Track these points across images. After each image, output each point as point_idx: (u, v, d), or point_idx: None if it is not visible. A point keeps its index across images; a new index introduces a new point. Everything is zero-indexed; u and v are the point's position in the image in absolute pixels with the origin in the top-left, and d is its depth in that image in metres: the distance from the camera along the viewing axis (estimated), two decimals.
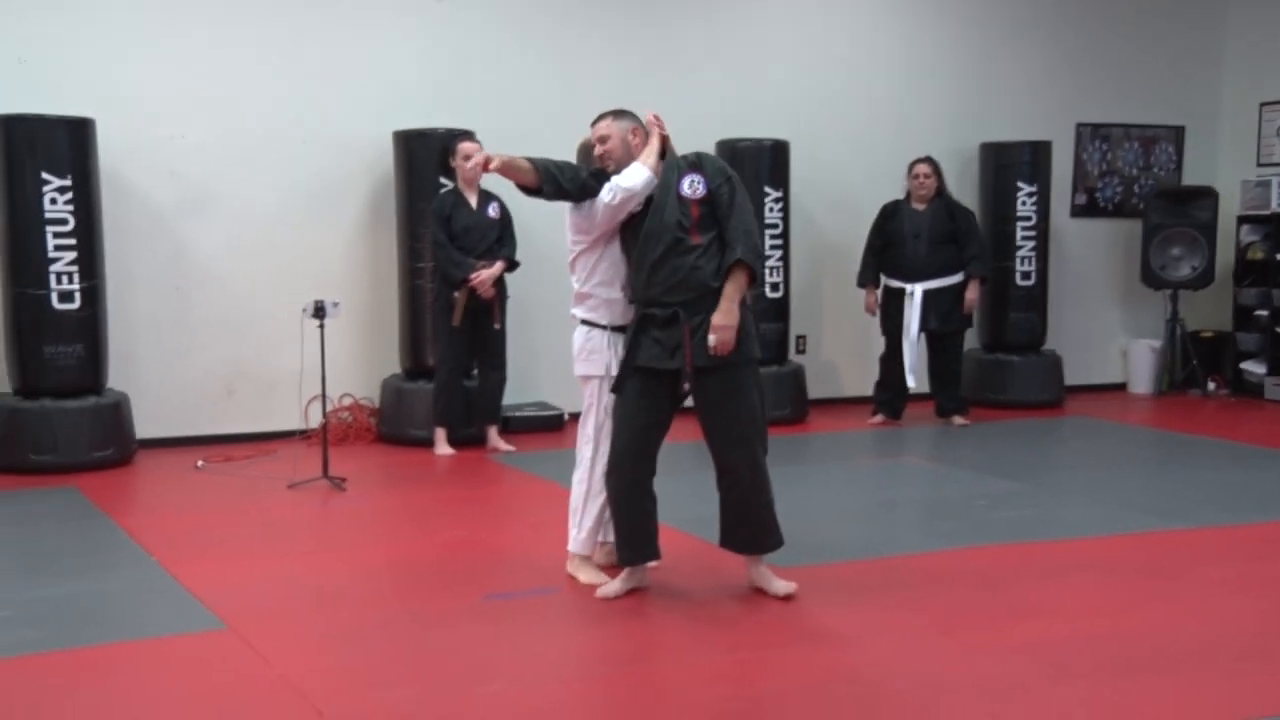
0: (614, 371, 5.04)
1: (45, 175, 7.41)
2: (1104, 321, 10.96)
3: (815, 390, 9.60)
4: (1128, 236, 10.85)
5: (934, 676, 4.24)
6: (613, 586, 5.06)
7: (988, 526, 6.18)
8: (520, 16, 8.98)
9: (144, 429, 7.99)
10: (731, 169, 5.03)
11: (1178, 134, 11.01)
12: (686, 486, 7.18)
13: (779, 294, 9.26)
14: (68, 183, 7.45)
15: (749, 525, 5.04)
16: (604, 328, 5.10)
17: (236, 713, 3.92)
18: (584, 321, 5.15)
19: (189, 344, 8.29)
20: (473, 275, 7.72)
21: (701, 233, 4.86)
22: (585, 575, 5.22)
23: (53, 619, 4.79)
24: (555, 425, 8.76)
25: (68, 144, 7.50)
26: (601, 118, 5.09)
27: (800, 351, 9.83)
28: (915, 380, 8.95)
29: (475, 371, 8.18)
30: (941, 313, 8.91)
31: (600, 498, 5.14)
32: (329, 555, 5.79)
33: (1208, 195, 10.50)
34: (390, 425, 8.44)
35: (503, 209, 7.99)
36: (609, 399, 5.07)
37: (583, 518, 5.21)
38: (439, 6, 8.75)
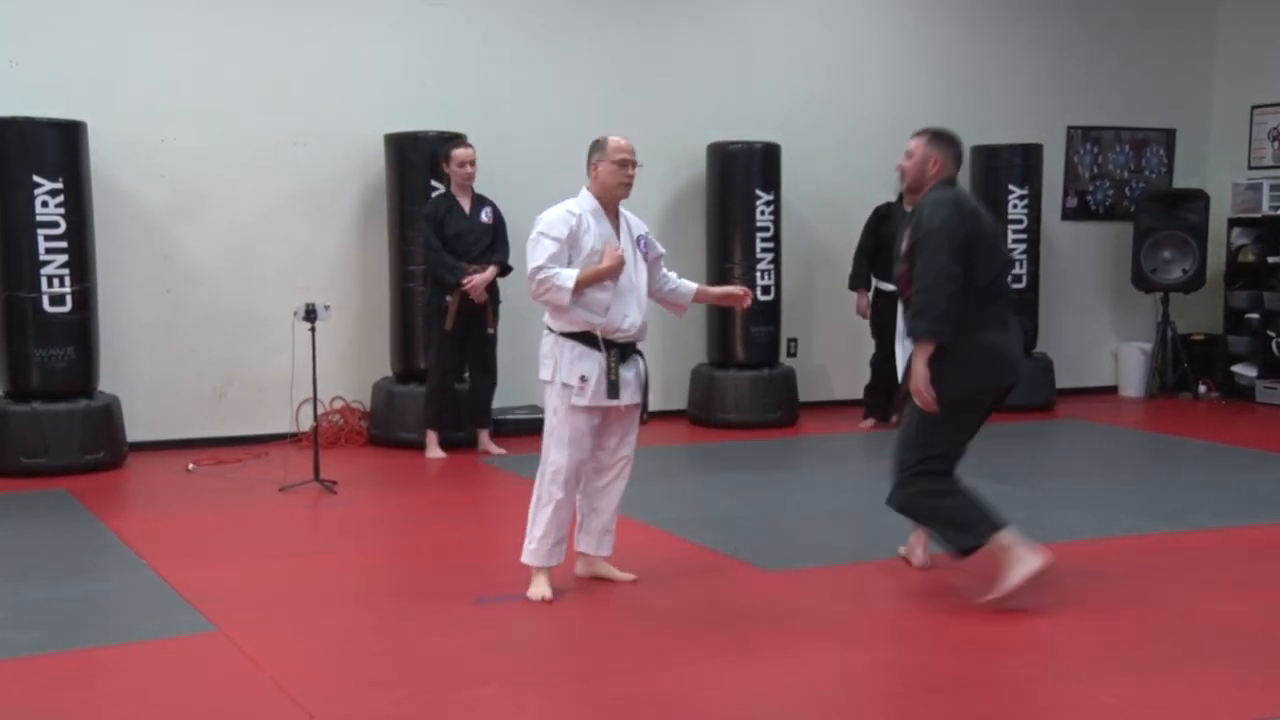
0: (558, 377, 5.02)
1: (36, 178, 7.39)
2: (1095, 324, 10.98)
3: (806, 393, 9.60)
4: (1119, 239, 10.87)
5: (927, 678, 4.24)
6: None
7: None
8: (511, 19, 8.99)
9: (135, 432, 7.98)
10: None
11: (1168, 137, 11.04)
12: (677, 490, 7.20)
13: (770, 297, 9.26)
14: (59, 186, 7.44)
15: None
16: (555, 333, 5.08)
17: (227, 715, 3.91)
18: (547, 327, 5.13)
19: (180, 347, 8.28)
20: (465, 280, 7.72)
21: None
22: (532, 589, 5.06)
23: (42, 622, 4.77)
24: None
25: (59, 147, 7.49)
26: (919, 134, 5.15)
27: (791, 354, 9.84)
28: None
29: (466, 375, 8.18)
30: None
31: (548, 507, 5.04)
32: (320, 558, 5.78)
33: (1199, 198, 10.53)
34: (381, 428, 8.43)
35: (496, 214, 7.98)
36: (556, 405, 5.04)
37: (532, 528, 5.10)
38: (430, 9, 8.75)
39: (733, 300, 5.42)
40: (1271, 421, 9.55)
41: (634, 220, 5.20)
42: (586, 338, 4.99)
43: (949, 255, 4.83)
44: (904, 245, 5.02)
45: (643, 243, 5.17)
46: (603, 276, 4.95)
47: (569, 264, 4.94)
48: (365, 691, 4.07)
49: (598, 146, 5.08)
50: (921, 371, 4.87)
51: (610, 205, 5.07)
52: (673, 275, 5.38)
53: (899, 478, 5.07)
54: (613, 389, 5.01)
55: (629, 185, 5.07)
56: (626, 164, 5.03)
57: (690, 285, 5.42)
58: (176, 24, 8.15)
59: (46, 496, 6.92)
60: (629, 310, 5.04)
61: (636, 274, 5.11)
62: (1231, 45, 11.06)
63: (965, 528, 4.99)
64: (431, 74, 8.75)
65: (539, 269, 4.93)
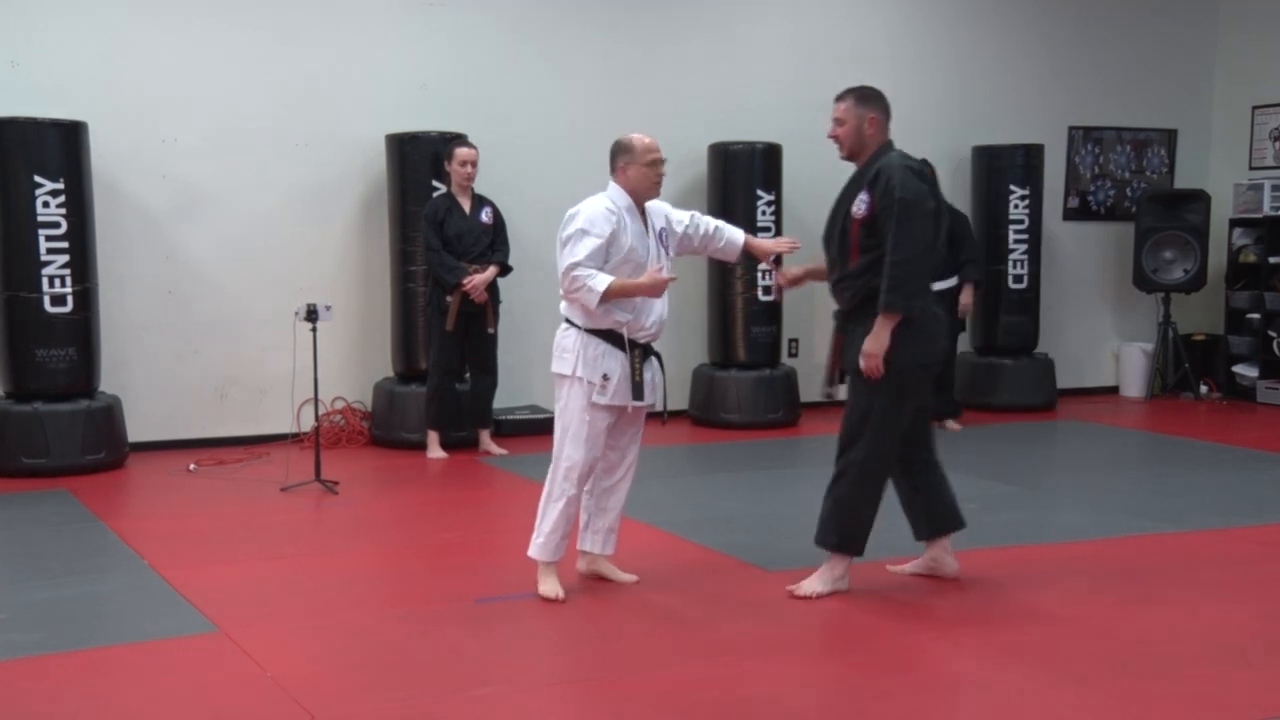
0: (580, 374, 4.95)
1: (37, 179, 7.40)
2: (1096, 325, 10.98)
3: (807, 394, 9.60)
4: (1120, 240, 10.87)
5: (927, 679, 4.24)
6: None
7: (980, 530, 6.16)
8: (513, 20, 8.99)
9: (136, 432, 7.98)
10: None
11: (1170, 137, 11.04)
12: (679, 490, 7.21)
13: (771, 297, 9.26)
14: (60, 186, 7.44)
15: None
16: (579, 328, 5.00)
17: (228, 716, 3.91)
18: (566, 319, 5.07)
19: (181, 347, 8.28)
20: (466, 280, 7.72)
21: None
22: (544, 586, 5.07)
23: (44, 622, 4.78)
24: (547, 429, 8.75)
25: (60, 147, 7.49)
26: (842, 97, 5.02)
27: (792, 355, 9.84)
28: None
29: (466, 375, 8.18)
30: None
31: (560, 502, 5.03)
32: (321, 558, 5.79)
33: (1199, 198, 10.53)
34: (382, 428, 8.43)
35: (496, 214, 7.99)
36: (575, 402, 4.99)
37: (541, 522, 5.10)
38: (432, 9, 8.75)
39: (782, 246, 5.37)
40: (1272, 422, 9.55)
41: (655, 210, 5.13)
42: (611, 336, 4.96)
43: (926, 228, 4.74)
44: (861, 210, 4.84)
45: (663, 235, 5.12)
46: (635, 294, 4.90)
47: (607, 261, 4.88)
48: (366, 692, 4.07)
49: (624, 149, 4.99)
50: (885, 341, 4.77)
51: (639, 202, 5.03)
52: (712, 224, 5.31)
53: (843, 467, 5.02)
54: (637, 389, 4.99)
55: (660, 184, 5.04)
56: (657, 164, 4.99)
57: (738, 238, 5.35)
58: (178, 25, 8.15)
59: (48, 497, 6.93)
60: (654, 307, 5.02)
61: (664, 272, 5.04)
62: (1232, 46, 11.06)
63: (852, 533, 5.02)
64: (432, 74, 8.75)
65: (576, 265, 4.84)
